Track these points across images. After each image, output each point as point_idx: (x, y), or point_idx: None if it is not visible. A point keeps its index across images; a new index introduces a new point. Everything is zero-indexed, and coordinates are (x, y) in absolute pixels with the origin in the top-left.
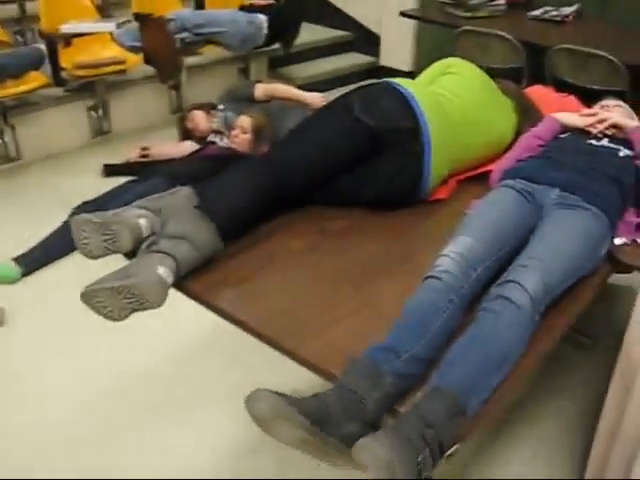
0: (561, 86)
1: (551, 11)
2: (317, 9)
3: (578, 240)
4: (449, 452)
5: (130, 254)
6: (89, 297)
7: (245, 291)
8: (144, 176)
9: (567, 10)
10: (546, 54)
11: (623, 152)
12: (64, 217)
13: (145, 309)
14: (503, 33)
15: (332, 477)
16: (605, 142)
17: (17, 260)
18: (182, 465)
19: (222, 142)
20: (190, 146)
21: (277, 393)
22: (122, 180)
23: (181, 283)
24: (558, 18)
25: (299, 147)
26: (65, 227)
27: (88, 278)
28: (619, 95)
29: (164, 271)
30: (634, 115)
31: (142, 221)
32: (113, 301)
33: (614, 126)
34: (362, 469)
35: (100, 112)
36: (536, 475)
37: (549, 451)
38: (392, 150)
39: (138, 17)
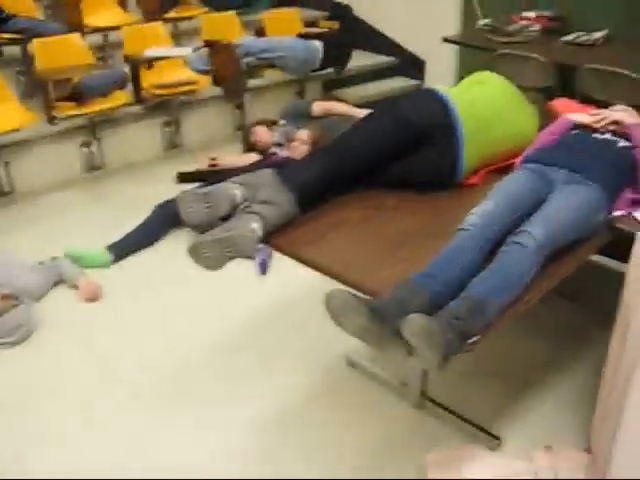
0: (589, 102)
1: (582, 36)
2: (367, 36)
3: (578, 204)
4: (471, 340)
5: (225, 219)
6: (196, 247)
7: (318, 245)
8: (214, 182)
9: (597, 35)
10: (575, 74)
11: (622, 143)
12: (144, 216)
13: (240, 256)
14: (536, 56)
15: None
16: (607, 136)
17: (109, 248)
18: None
19: (283, 153)
20: (254, 157)
21: (348, 292)
22: (194, 186)
23: (268, 239)
24: (588, 42)
25: (359, 137)
26: (149, 221)
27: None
28: None
29: (256, 225)
30: (638, 117)
31: (237, 191)
32: (215, 250)
33: (615, 122)
34: (407, 349)
35: (173, 127)
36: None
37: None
38: (432, 141)
39: (209, 44)
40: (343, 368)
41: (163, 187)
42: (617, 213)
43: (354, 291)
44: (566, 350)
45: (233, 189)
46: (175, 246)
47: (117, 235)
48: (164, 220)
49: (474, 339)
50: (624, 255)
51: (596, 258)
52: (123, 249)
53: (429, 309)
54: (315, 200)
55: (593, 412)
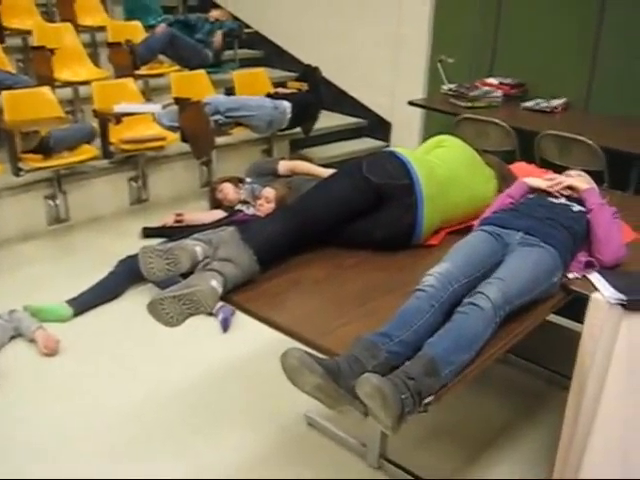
0: (547, 166)
1: (542, 102)
2: (335, 98)
3: (533, 266)
4: (426, 401)
5: (185, 275)
6: (155, 304)
7: (276, 303)
8: (179, 238)
9: (556, 102)
10: (535, 139)
11: (577, 208)
12: (108, 270)
13: (199, 313)
14: (498, 121)
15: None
16: (563, 200)
17: (69, 302)
18: None
19: (249, 211)
20: (219, 214)
21: (304, 351)
22: (158, 241)
23: (227, 296)
24: (548, 109)
25: (320, 197)
26: (110, 276)
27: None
28: (598, 175)
29: (215, 283)
30: (592, 182)
31: (198, 248)
32: (175, 307)
33: (569, 187)
34: (361, 409)
35: (140, 182)
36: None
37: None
38: (392, 202)
39: (178, 101)
40: (302, 427)
41: (128, 242)
42: (572, 275)
43: (310, 350)
44: (523, 410)
45: (194, 246)
46: (136, 301)
47: (80, 289)
48: (126, 275)
49: (429, 399)
50: (579, 315)
51: (552, 318)
52: (84, 303)
53: (385, 369)
54: (275, 258)
55: (551, 472)
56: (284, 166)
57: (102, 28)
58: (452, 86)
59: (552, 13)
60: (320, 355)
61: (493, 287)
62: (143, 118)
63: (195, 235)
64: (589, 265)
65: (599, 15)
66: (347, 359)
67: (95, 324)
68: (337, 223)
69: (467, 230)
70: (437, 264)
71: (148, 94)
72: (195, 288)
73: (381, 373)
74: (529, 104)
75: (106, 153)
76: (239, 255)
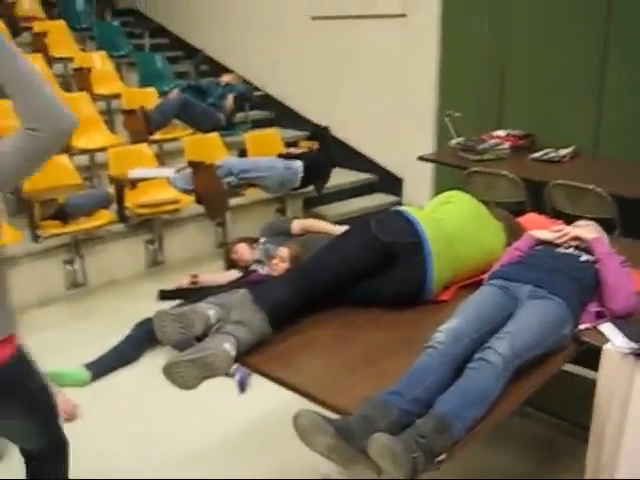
0: (558, 216)
1: (550, 153)
2: (346, 156)
3: (542, 319)
4: (439, 459)
5: (200, 338)
6: (170, 368)
7: (289, 363)
8: (195, 300)
9: (564, 151)
10: (545, 189)
11: (584, 257)
12: (126, 333)
13: (214, 376)
14: (507, 172)
15: None
16: (570, 250)
17: (87, 366)
18: None
19: (263, 270)
20: (235, 274)
21: (315, 412)
22: (174, 304)
23: (241, 357)
24: (556, 158)
25: (330, 258)
26: (128, 339)
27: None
28: (609, 223)
29: (229, 346)
30: (601, 231)
31: (211, 312)
32: (190, 370)
33: (577, 238)
34: (374, 468)
35: (156, 245)
36: None
37: None
38: (402, 260)
39: (191, 164)
40: None
41: (145, 304)
42: (583, 326)
43: (322, 410)
44: (543, 464)
45: (207, 309)
46: (154, 363)
47: (98, 353)
48: (144, 338)
49: (441, 457)
50: (595, 364)
51: (571, 368)
52: (102, 367)
53: (397, 427)
54: (287, 319)
55: None
56: (298, 225)
57: (117, 95)
58: (460, 140)
59: (556, 63)
60: (333, 414)
61: (502, 342)
62: (158, 182)
63: (209, 298)
64: (600, 315)
65: (603, 63)
66: (358, 419)
67: (113, 387)
68: (347, 282)
69: (478, 284)
70: (447, 320)
71: (162, 158)
72: (209, 351)
73: (393, 432)
74: (537, 155)
75: (122, 217)
76: (251, 317)
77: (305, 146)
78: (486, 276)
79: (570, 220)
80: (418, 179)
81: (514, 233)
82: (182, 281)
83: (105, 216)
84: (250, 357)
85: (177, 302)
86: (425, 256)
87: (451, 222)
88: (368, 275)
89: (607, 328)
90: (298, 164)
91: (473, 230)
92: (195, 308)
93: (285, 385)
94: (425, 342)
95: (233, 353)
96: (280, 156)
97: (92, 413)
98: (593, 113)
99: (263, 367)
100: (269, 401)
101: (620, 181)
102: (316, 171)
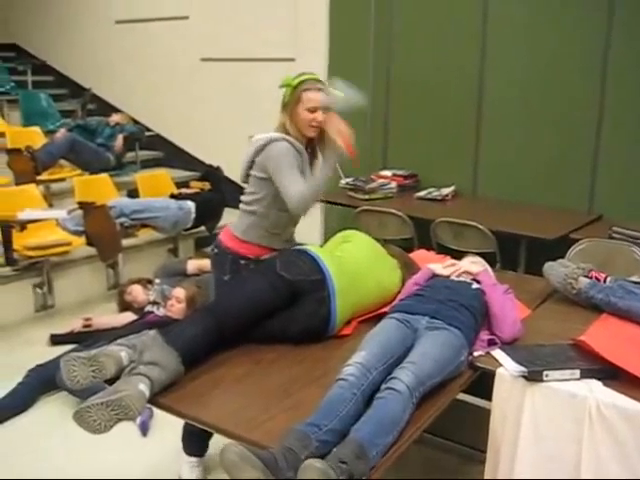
0: (444, 251)
1: (433, 192)
2: (237, 196)
3: (440, 349)
4: None
5: (109, 381)
6: (82, 413)
7: (203, 402)
8: (88, 344)
9: (446, 190)
10: (431, 226)
11: (475, 285)
12: (16, 382)
13: (128, 419)
14: (394, 211)
15: None
16: (462, 277)
17: None
18: None
19: (159, 312)
20: (129, 316)
21: (243, 445)
22: (67, 348)
23: (154, 398)
24: (439, 197)
25: (236, 298)
26: (20, 386)
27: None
28: (490, 256)
29: (143, 387)
30: (485, 265)
31: (123, 353)
32: (103, 414)
33: (467, 272)
34: None
35: (45, 288)
36: None
37: None
38: (306, 297)
39: (82, 205)
40: None
41: (36, 350)
42: (477, 353)
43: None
44: None
45: (119, 351)
46: (48, 411)
47: None
48: (37, 384)
49: None
50: (487, 392)
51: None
52: None
53: (317, 457)
54: (199, 358)
55: None
56: (192, 265)
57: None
58: (349, 180)
59: (433, 106)
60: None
61: (406, 371)
62: (47, 223)
63: (118, 340)
64: (491, 342)
65: (479, 109)
66: (282, 451)
67: (5, 438)
68: (254, 321)
69: (376, 318)
70: (354, 353)
71: (50, 199)
72: (123, 393)
73: None
74: (422, 193)
75: (9, 260)
76: (164, 358)
77: (197, 187)
78: (387, 309)
79: (455, 254)
80: (308, 219)
81: (409, 269)
82: (74, 324)
83: None
84: (163, 397)
85: (70, 346)
86: (329, 293)
87: (351, 260)
88: (274, 313)
89: (498, 354)
90: (190, 204)
91: (371, 268)
92: (106, 350)
93: (200, 423)
94: (335, 374)
95: (147, 394)
96: (172, 196)
97: None
98: (471, 155)
99: (177, 406)
100: (174, 442)
101: (498, 217)
102: (208, 211)
